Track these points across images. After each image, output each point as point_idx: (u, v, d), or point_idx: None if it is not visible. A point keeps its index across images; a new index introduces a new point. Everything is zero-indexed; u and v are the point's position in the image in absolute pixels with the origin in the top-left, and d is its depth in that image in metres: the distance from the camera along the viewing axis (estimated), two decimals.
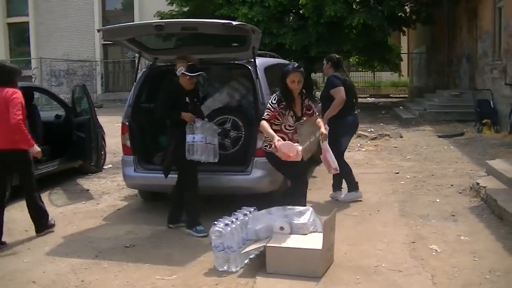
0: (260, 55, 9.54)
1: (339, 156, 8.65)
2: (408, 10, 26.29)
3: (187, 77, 7.54)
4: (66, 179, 11.06)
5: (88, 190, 10.32)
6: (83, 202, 9.45)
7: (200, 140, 7.50)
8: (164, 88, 7.71)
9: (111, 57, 36.43)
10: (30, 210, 7.64)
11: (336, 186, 9.20)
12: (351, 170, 9.18)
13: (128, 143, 8.59)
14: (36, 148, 7.35)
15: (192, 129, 7.51)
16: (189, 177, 7.58)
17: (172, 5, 27.05)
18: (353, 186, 9.12)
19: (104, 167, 12.24)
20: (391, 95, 37.57)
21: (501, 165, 9.80)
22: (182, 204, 7.72)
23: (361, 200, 8.97)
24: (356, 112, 9.15)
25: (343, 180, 9.14)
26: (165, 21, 8.71)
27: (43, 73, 31.24)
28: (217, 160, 7.76)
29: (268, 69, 9.00)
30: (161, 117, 7.78)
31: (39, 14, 36.47)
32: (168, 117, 7.67)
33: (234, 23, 7.65)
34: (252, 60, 8.31)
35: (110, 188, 10.42)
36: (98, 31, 8.79)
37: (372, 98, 35.99)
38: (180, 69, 7.55)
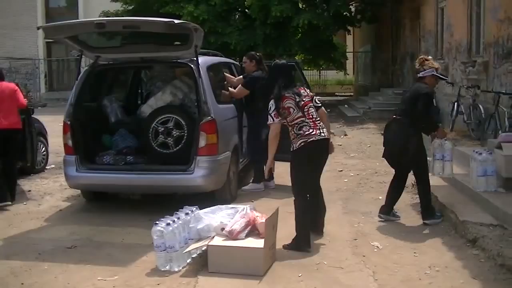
0: (204, 54, 9.54)
1: (258, 148, 9.13)
2: (353, 9, 26.54)
3: (437, 79, 7.74)
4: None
5: (30, 191, 10.11)
6: (24, 203, 9.25)
7: (449, 160, 8.02)
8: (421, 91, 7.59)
9: (55, 55, 35.76)
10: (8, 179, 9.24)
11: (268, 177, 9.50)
12: (263, 166, 9.30)
13: (70, 142, 8.49)
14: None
15: (443, 148, 7.93)
16: (426, 174, 7.74)
17: (116, 2, 26.82)
18: (258, 179, 9.62)
19: (46, 167, 12.03)
20: (336, 94, 37.93)
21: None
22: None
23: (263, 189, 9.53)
24: None
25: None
26: (106, 19, 8.68)
27: None
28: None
29: (211, 68, 9.06)
30: (424, 121, 7.69)
31: None
32: (430, 124, 7.77)
33: (176, 21, 7.66)
34: (195, 58, 8.30)
35: (52, 189, 10.24)
36: (38, 28, 8.68)
37: (318, 97, 36.07)
38: (430, 70, 7.58)
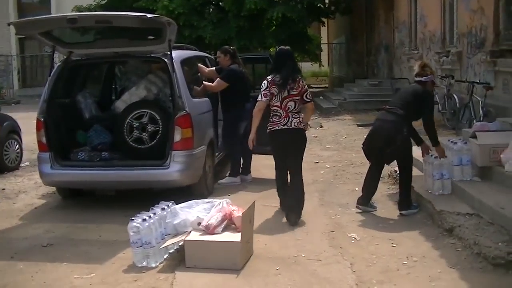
0: (178, 48, 9.48)
1: (235, 141, 9.44)
2: (327, 1, 26.54)
3: (434, 85, 8.06)
4: None
5: (3, 189, 9.99)
6: None
7: (448, 177, 7.97)
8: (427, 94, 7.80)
9: (28, 51, 35.38)
10: None
11: (245, 171, 9.87)
12: (240, 160, 9.74)
13: (44, 139, 8.40)
14: None
15: (441, 166, 7.94)
16: (410, 165, 7.84)
17: None
18: (235, 172, 9.70)
19: (21, 165, 11.91)
20: (312, 85, 37.81)
21: (418, 152, 9.98)
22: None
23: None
24: None
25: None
26: (78, 14, 8.59)
27: None
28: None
29: (184, 62, 8.99)
30: (429, 130, 7.90)
31: None
32: (432, 134, 7.87)
33: (149, 15, 7.62)
34: (169, 53, 8.25)
35: (27, 187, 10.13)
36: (9, 24, 8.56)
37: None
38: (431, 76, 7.81)
